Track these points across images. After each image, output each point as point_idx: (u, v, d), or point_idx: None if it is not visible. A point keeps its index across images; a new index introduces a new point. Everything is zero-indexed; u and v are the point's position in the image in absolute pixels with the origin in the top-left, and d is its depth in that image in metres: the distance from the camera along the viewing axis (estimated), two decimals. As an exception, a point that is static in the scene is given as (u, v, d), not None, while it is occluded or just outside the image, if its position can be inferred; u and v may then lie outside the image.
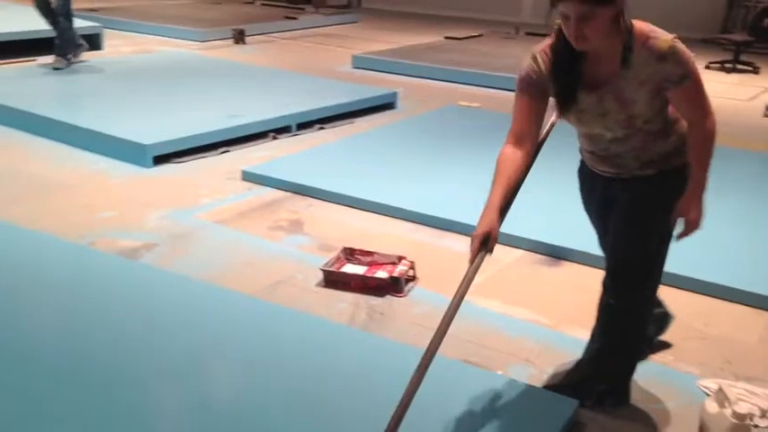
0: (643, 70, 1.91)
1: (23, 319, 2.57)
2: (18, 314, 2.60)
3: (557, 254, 3.39)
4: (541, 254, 3.42)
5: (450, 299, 1.86)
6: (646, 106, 1.97)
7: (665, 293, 2.56)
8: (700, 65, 2.27)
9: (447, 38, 9.81)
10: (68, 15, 6.54)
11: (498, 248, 1.96)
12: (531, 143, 2.04)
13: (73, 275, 2.93)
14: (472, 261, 1.90)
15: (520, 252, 3.41)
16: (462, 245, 3.60)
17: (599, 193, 2.25)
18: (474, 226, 1.92)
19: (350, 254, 3.21)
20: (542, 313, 2.89)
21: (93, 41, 7.87)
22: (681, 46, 1.90)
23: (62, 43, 6.54)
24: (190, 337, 2.49)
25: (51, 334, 2.47)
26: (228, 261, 3.25)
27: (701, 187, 2.07)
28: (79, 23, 8.07)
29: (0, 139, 4.75)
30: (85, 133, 4.65)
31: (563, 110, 2.05)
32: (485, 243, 1.90)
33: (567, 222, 3.09)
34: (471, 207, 3.89)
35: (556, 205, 3.64)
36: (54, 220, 3.53)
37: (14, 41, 7.18)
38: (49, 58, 6.58)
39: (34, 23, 7.88)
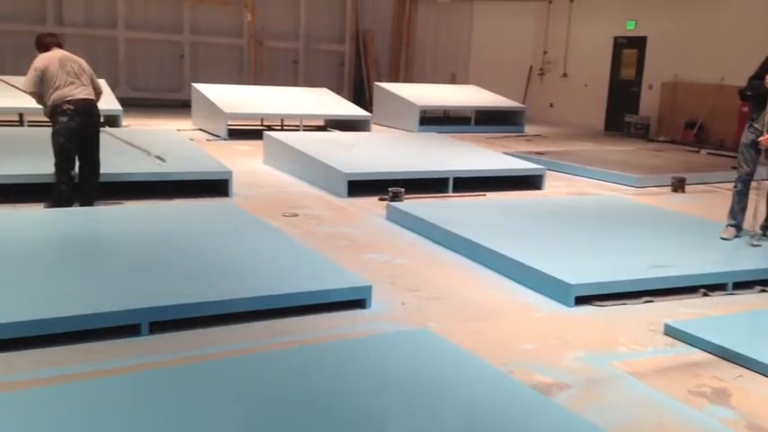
0: None
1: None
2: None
3: None
4: None
5: None
6: None
7: None
8: None
9: None
10: None
11: None
12: None
13: (493, 398, 3.11)
14: None
15: None
16: None
17: None
18: None
19: (787, 443, 2.77)
20: None
21: (536, 182, 8.60)
22: None
23: None
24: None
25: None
26: (641, 419, 3.10)
27: None
28: (524, 165, 8.94)
29: (445, 263, 5.43)
30: (516, 266, 5.01)
31: None
32: None
33: None
34: None
35: None
36: (480, 343, 3.84)
37: (472, 178, 8.24)
38: None
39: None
